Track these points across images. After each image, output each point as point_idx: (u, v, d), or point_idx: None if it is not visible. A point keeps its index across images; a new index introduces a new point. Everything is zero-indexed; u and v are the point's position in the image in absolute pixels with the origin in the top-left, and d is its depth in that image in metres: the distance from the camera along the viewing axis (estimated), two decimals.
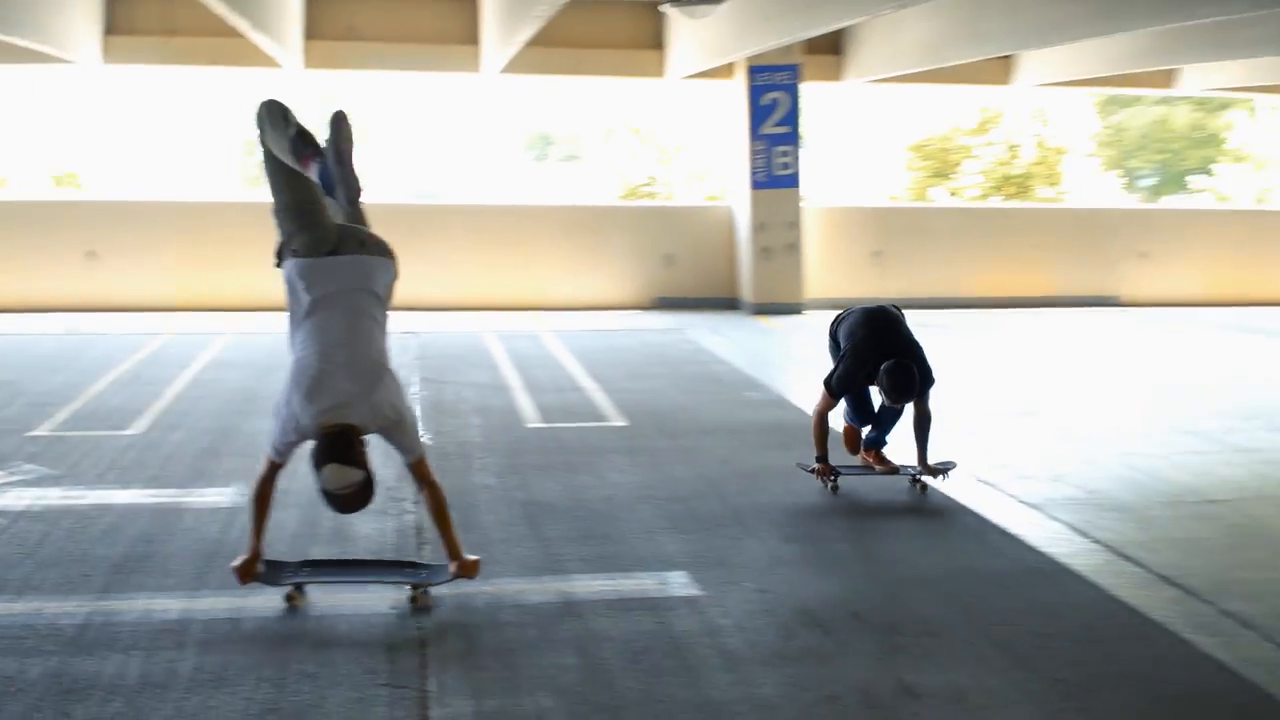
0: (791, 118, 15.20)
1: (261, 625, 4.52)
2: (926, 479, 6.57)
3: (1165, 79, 16.24)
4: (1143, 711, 3.97)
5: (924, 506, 6.44)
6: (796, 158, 15.27)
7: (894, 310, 6.67)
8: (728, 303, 15.68)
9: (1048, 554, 5.58)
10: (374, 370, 4.51)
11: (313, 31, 14.19)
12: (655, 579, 5.12)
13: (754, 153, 15.19)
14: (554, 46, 14.08)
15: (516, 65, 13.83)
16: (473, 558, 4.74)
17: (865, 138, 34.50)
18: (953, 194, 31.97)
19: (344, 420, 4.37)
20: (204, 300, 14.48)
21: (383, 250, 4.69)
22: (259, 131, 4.65)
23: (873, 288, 16.07)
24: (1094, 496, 6.59)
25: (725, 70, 15.13)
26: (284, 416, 4.48)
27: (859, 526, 6.02)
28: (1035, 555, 5.58)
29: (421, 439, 4.80)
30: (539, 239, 15.76)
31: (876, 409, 6.68)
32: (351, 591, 4.87)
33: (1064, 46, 13.58)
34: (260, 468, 4.68)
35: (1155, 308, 16.34)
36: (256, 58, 13.44)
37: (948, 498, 6.55)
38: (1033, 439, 8.10)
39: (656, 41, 15.11)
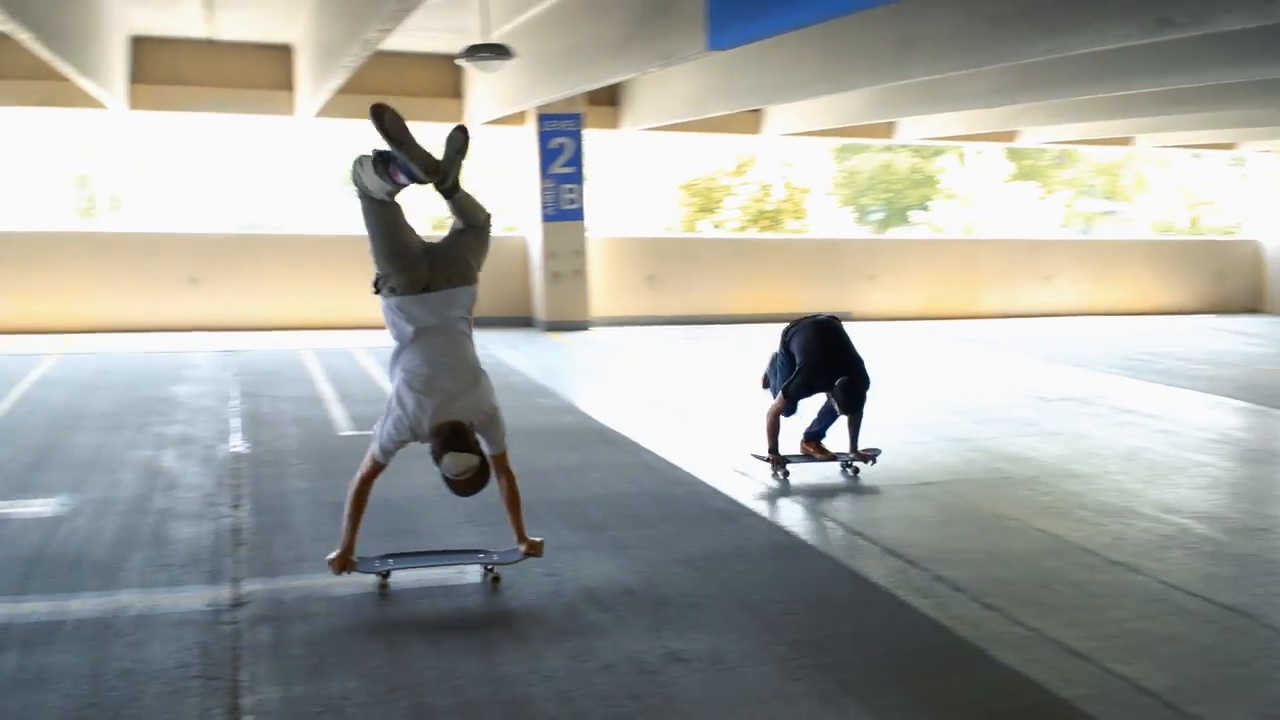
0: (576, 160, 15.25)
1: (80, 626, 4.22)
2: (858, 463, 6.96)
3: (886, 130, 16.94)
4: (871, 665, 4.08)
5: (690, 495, 6.49)
6: (581, 194, 15.32)
7: (838, 324, 6.89)
8: (523, 321, 15.60)
9: (793, 532, 5.72)
10: (473, 372, 4.61)
11: (137, 76, 13.48)
12: (455, 568, 5.02)
13: (544, 190, 15.17)
14: (363, 93, 13.62)
15: (329, 110, 13.46)
16: (537, 539, 4.88)
17: (643, 177, 34.92)
18: (716, 226, 32.68)
19: (452, 416, 4.44)
20: (34, 323, 13.59)
21: (466, 279, 4.62)
22: (356, 188, 4.56)
23: (649, 307, 16.31)
24: (832, 481, 6.78)
25: (518, 117, 15.06)
26: (396, 416, 4.50)
27: (634, 516, 6.02)
28: (782, 534, 5.71)
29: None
30: (355, 265, 15.31)
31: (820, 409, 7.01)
32: (169, 592, 4.61)
33: (803, 102, 14.04)
34: (363, 469, 4.64)
35: (881, 322, 17.01)
36: (84, 99, 12.71)
37: (710, 487, 6.64)
38: (784, 433, 8.26)
39: (456, 91, 14.94)
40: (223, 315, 14.52)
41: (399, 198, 4.58)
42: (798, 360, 6.74)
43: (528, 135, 15.34)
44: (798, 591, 4.85)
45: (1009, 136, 17.54)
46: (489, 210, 4.77)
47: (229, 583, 4.73)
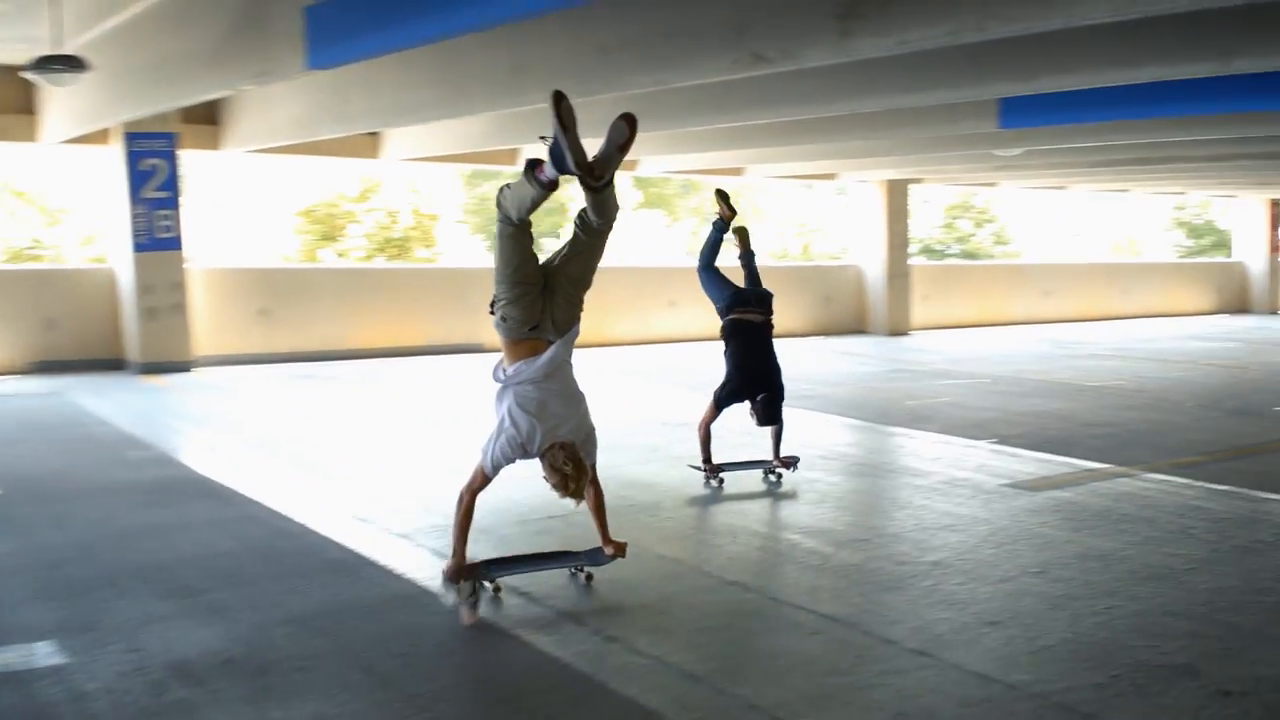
0: (171, 183, 14.38)
1: None
2: (780, 470, 7.98)
3: (511, 156, 17.26)
4: (493, 711, 4.08)
5: (300, 548, 6.24)
6: (178, 221, 14.47)
7: (769, 342, 7.82)
8: (114, 363, 14.51)
9: (412, 579, 5.62)
10: (576, 397, 5.21)
11: None
12: (17, 652, 4.53)
13: (135, 216, 14.20)
14: None
15: None
16: (621, 540, 5.49)
17: (255, 202, 33.58)
18: (341, 255, 31.97)
19: (559, 437, 5.02)
20: None
21: (570, 323, 5.19)
22: (499, 209, 5.00)
23: (261, 344, 15.66)
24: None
25: (101, 136, 14.04)
26: (510, 436, 5.05)
27: (235, 575, 5.70)
28: (401, 582, 5.61)
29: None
30: None
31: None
32: None
33: (423, 126, 14.03)
34: (471, 484, 5.18)
35: None
36: None
37: (323, 537, 6.42)
38: (406, 474, 8.18)
39: (28, 106, 13.71)
40: None
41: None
42: (728, 365, 7.77)
43: (114, 156, 14.32)
44: (418, 643, 4.77)
45: (631, 165, 18.33)
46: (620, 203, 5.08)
47: None
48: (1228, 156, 16.37)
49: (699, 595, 5.45)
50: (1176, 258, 43.78)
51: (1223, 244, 42.04)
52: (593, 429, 5.27)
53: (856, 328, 22.07)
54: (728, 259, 8.28)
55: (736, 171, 19.44)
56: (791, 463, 8.02)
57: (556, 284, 5.10)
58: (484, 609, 5.09)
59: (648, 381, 13.99)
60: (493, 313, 5.14)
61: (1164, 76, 8.19)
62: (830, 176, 20.84)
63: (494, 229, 5.13)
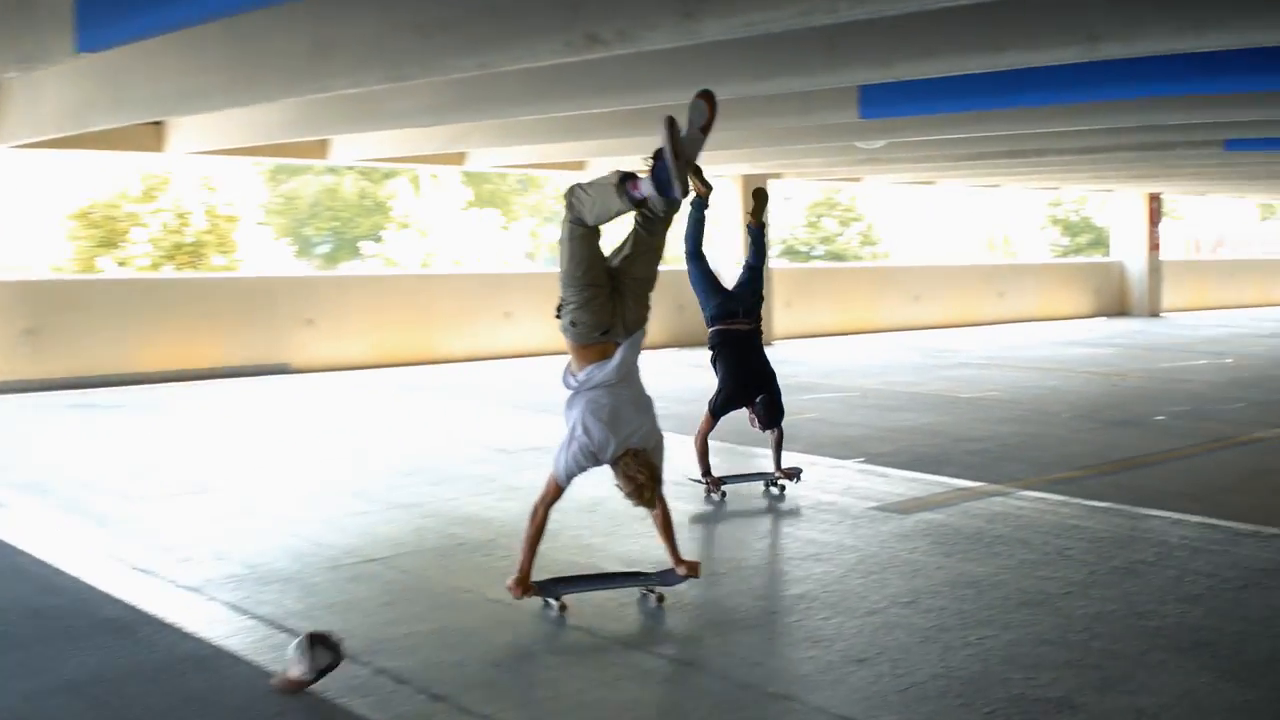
0: None
1: None
2: (783, 481, 8.56)
3: (320, 149, 16.90)
4: None
5: (73, 606, 6.00)
6: None
7: (759, 346, 8.30)
8: None
9: (204, 639, 5.46)
10: (647, 403, 5.64)
11: None
12: None
13: None
14: None
15: None
16: (694, 560, 5.91)
17: (19, 205, 32.29)
18: (122, 264, 30.99)
19: (632, 445, 5.46)
20: None
21: (639, 324, 5.58)
22: (569, 209, 5.35)
23: (27, 369, 15.05)
24: (255, 571, 6.58)
25: None
26: (582, 444, 5.46)
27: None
28: (192, 642, 5.44)
29: None
30: None
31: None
32: None
33: (214, 115, 13.66)
34: (545, 496, 5.61)
35: (325, 373, 16.95)
36: None
37: (100, 592, 6.19)
38: (199, 518, 7.94)
39: None
40: None
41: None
42: (719, 373, 8.28)
43: None
44: (210, 711, 4.65)
45: (458, 159, 18.21)
46: None
47: None
48: (1103, 148, 17.12)
49: (536, 644, 5.45)
50: (1052, 257, 45.72)
51: (1100, 242, 44.10)
52: (661, 436, 5.66)
53: None
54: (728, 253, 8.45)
55: (578, 165, 19.49)
56: (794, 474, 8.52)
57: (624, 286, 5.48)
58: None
59: (481, 404, 13.89)
60: (559, 317, 5.48)
61: (1029, 63, 8.51)
62: None
63: (562, 228, 5.47)
